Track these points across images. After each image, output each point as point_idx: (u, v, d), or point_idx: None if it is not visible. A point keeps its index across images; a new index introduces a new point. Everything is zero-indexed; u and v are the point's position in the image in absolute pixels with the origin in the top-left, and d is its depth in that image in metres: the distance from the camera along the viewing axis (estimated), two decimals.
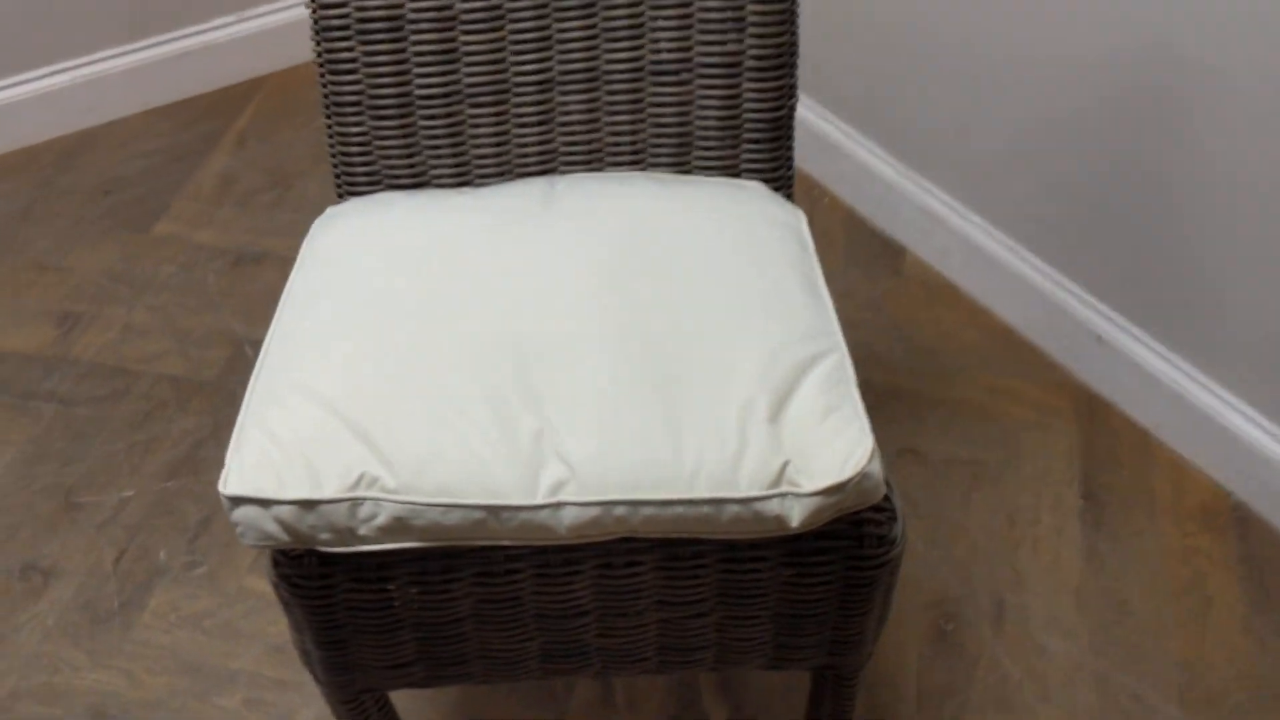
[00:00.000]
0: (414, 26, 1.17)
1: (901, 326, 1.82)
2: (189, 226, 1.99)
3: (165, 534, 1.54)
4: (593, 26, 1.19)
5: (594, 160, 1.25)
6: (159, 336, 1.80)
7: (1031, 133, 1.66)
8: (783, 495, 0.92)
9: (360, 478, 0.92)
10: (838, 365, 1.01)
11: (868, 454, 0.93)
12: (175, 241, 1.96)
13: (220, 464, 1.62)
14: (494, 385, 0.97)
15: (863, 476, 0.92)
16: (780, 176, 1.25)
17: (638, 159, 1.25)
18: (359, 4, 1.15)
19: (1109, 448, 1.66)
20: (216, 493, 1.58)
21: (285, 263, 1.92)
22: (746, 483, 0.92)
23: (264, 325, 1.81)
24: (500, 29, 1.18)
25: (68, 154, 2.14)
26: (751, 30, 1.18)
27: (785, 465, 0.93)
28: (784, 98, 1.22)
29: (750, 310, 1.03)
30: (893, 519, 0.99)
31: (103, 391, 1.72)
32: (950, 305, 1.85)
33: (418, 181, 1.23)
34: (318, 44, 1.18)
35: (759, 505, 0.92)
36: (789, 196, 1.27)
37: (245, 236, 1.96)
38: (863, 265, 1.92)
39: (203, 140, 2.17)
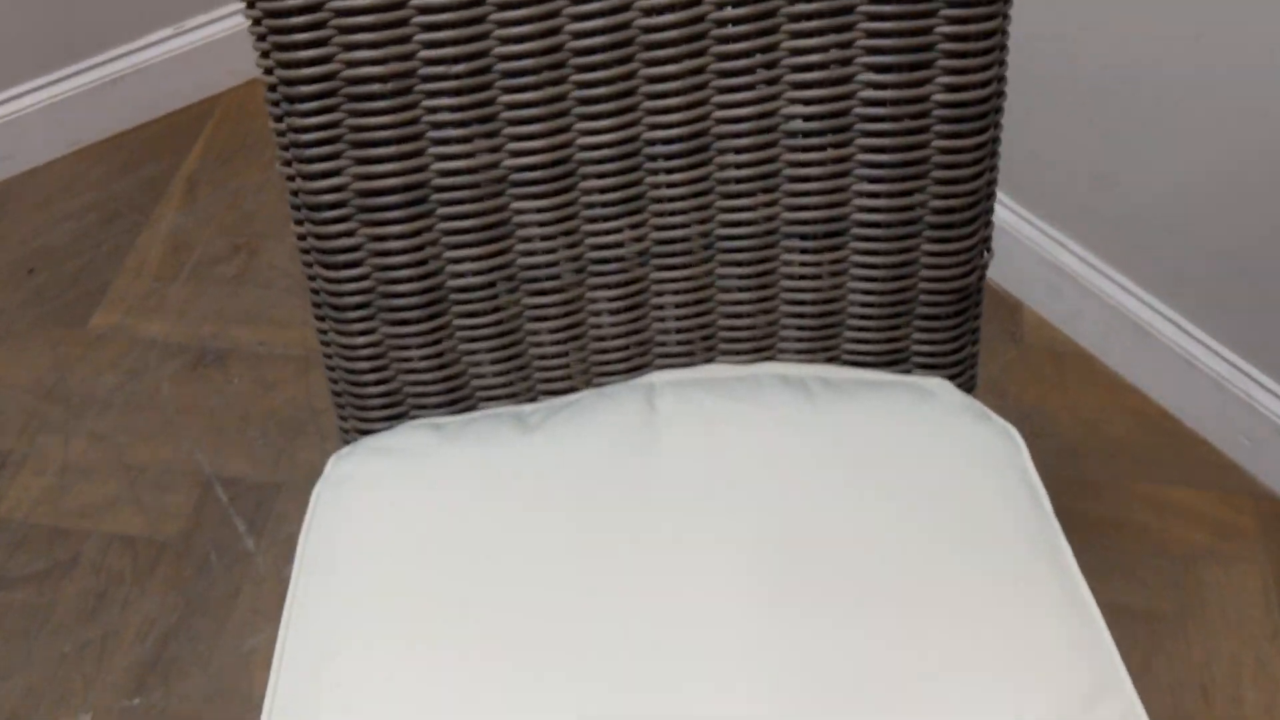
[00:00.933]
0: (443, 197, 0.79)
1: (1032, 415, 1.47)
2: (134, 315, 1.60)
3: None
4: (704, 180, 0.81)
5: (702, 352, 0.88)
6: (106, 477, 1.43)
7: (1201, 184, 1.30)
8: None
9: None
10: None
11: None
12: (119, 337, 1.57)
13: (198, 665, 1.27)
14: None
15: None
16: (963, 362, 0.89)
17: (763, 347, 0.88)
18: (360, 171, 0.77)
19: None
20: (194, 712, 1.23)
21: (255, 362, 1.54)
22: None
23: (234, 455, 1.44)
24: (570, 190, 0.80)
25: None
26: (936, 175, 0.81)
27: None
28: (975, 258, 0.85)
29: (995, 648, 0.68)
30: None
31: (42, 564, 1.35)
32: (1088, 383, 1.50)
33: (456, 399, 0.86)
34: (299, 223, 0.80)
35: None
36: (971, 388, 0.91)
37: (205, 325, 1.58)
38: None
39: (144, 190, 1.76)
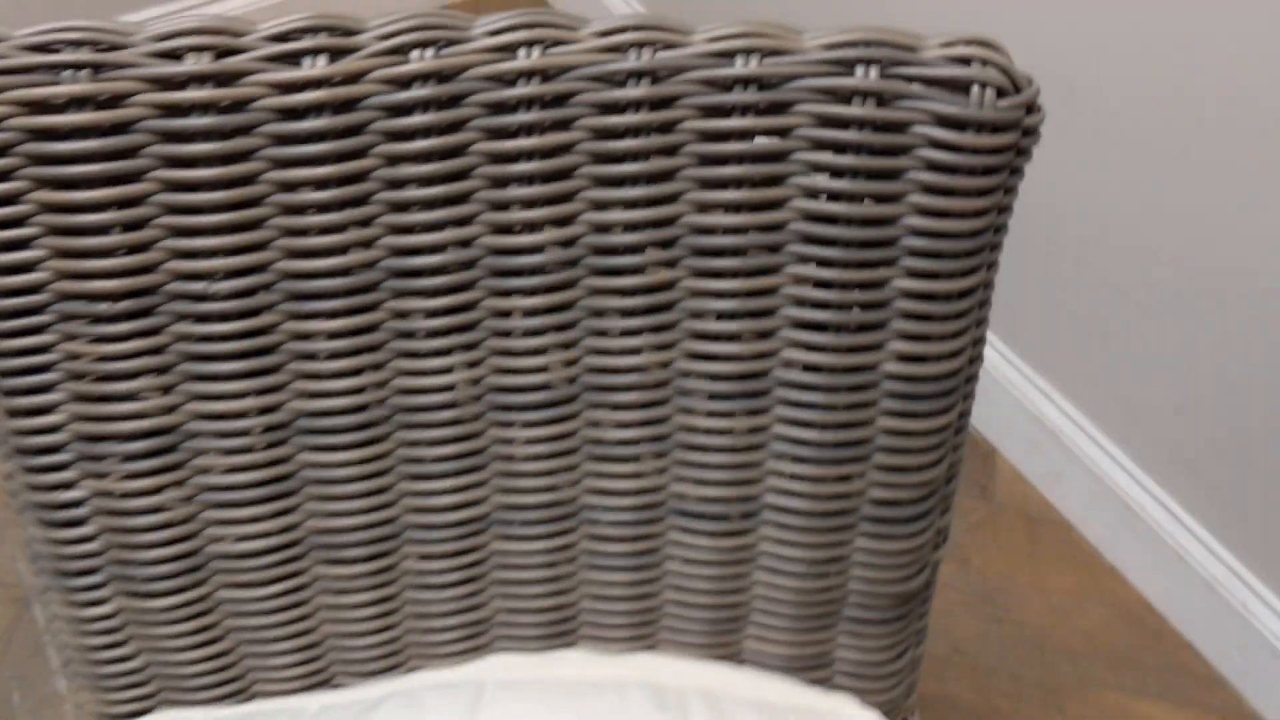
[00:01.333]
0: (202, 445, 0.58)
1: (996, 594, 1.27)
2: None
3: None
4: (568, 437, 0.60)
5: (560, 634, 0.67)
6: None
7: (1214, 362, 1.09)
8: None
9: None
10: None
11: None
12: None
13: None
14: None
15: None
16: (899, 674, 0.68)
17: (640, 635, 0.67)
18: (83, 410, 0.56)
19: None
20: None
21: None
22: None
23: None
24: (383, 440, 0.59)
25: None
26: (879, 460, 0.60)
27: None
28: (924, 556, 0.64)
29: None
30: None
31: None
32: (1063, 559, 1.30)
33: (224, 682, 0.65)
34: (6, 458, 0.59)
35: None
36: (908, 695, 0.70)
37: None
38: None
39: None
